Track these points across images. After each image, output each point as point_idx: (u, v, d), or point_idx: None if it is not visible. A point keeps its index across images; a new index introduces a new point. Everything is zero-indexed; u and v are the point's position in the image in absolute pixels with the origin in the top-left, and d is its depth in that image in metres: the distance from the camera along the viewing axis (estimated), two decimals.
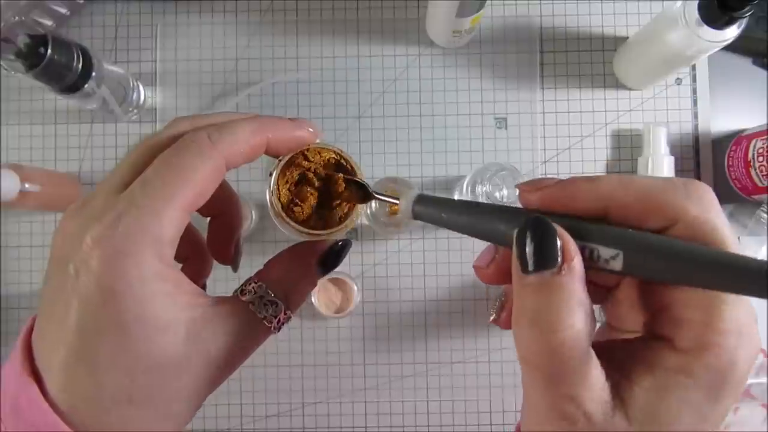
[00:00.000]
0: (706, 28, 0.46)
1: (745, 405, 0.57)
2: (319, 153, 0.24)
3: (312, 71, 0.61)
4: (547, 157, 0.61)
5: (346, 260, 0.62)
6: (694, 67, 0.61)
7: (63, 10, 0.58)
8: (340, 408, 0.59)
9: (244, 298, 0.22)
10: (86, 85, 0.49)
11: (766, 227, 0.59)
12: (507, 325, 0.23)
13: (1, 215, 0.60)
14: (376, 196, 0.24)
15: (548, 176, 0.24)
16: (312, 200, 0.24)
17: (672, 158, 0.57)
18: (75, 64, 0.48)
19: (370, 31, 0.61)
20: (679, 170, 0.59)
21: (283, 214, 0.24)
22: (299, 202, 0.24)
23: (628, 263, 0.18)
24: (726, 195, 0.60)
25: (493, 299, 0.59)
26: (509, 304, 0.23)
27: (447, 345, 0.60)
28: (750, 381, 0.57)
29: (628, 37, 0.60)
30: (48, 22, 0.58)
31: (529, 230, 0.19)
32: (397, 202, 0.24)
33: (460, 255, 0.60)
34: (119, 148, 0.61)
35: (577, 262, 0.18)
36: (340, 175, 0.25)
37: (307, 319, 0.60)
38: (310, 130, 0.24)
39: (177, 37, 0.61)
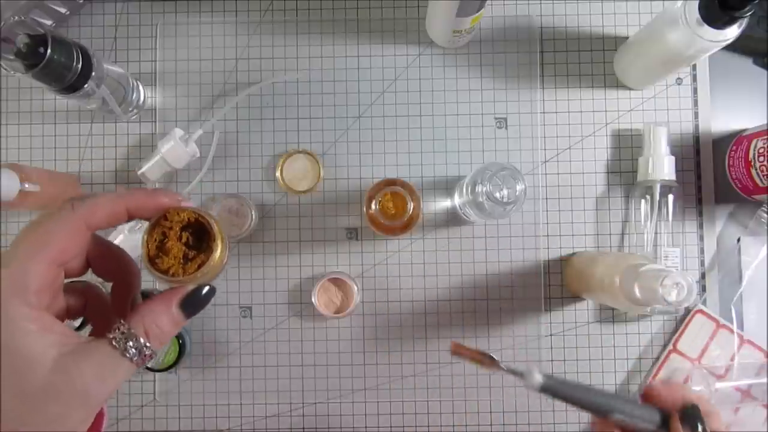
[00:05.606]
0: (706, 27, 0.46)
1: (745, 405, 0.57)
2: (178, 214, 0.29)
3: (312, 71, 0.61)
4: (547, 157, 0.61)
5: (346, 260, 0.62)
6: (694, 67, 0.60)
7: (63, 10, 0.58)
8: (340, 408, 0.59)
9: (109, 335, 0.26)
10: (86, 85, 0.49)
11: (766, 227, 0.59)
12: None
13: (1, 215, 0.60)
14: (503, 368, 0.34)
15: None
16: (176, 252, 0.29)
17: (672, 158, 0.57)
18: (75, 64, 0.48)
19: (370, 31, 0.61)
20: (680, 170, 0.59)
21: (148, 265, 0.28)
22: (162, 255, 0.29)
23: None
24: (726, 195, 0.60)
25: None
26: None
27: (447, 345, 0.59)
28: (750, 381, 0.57)
29: (628, 37, 0.60)
30: (48, 22, 0.58)
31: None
32: (520, 375, 0.33)
33: (460, 255, 0.60)
34: (119, 148, 0.61)
35: None
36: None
37: (307, 319, 0.60)
38: (167, 198, 0.29)
39: (177, 37, 0.61)
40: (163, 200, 0.29)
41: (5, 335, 0.25)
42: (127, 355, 0.26)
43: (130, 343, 0.26)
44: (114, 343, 0.26)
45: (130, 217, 0.29)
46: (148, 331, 0.27)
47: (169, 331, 0.28)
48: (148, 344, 0.27)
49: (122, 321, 0.27)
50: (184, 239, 0.29)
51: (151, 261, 0.29)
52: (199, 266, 0.29)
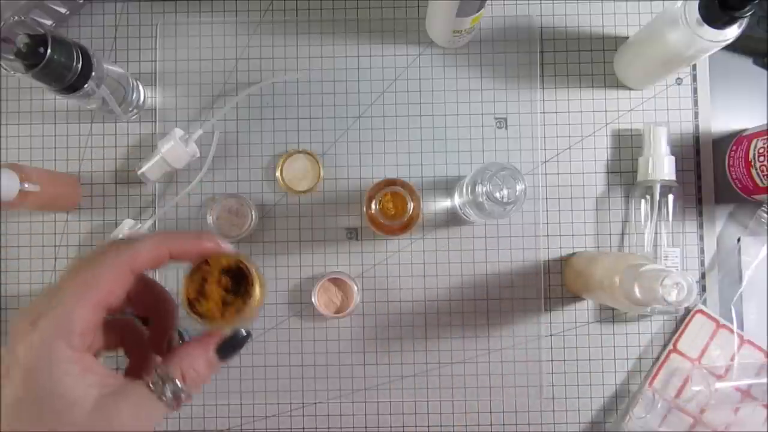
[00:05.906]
0: (706, 27, 0.46)
1: (745, 405, 0.57)
2: (219, 260, 0.30)
3: (312, 71, 0.61)
4: (547, 157, 0.61)
5: (346, 260, 0.62)
6: (694, 67, 0.60)
7: (63, 10, 0.58)
8: (340, 408, 0.59)
9: (146, 378, 0.27)
10: (86, 85, 0.49)
11: (766, 227, 0.59)
12: None
13: (1, 215, 0.60)
14: None
15: None
16: (215, 296, 0.29)
17: (672, 158, 0.57)
18: (75, 64, 0.48)
19: (370, 31, 0.61)
20: (680, 170, 0.59)
21: (187, 308, 0.29)
22: (201, 298, 0.29)
23: None
24: (727, 195, 0.60)
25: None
26: None
27: (447, 345, 0.59)
28: (750, 381, 0.57)
29: (628, 37, 0.60)
30: (48, 22, 0.58)
31: None
32: None
33: (460, 255, 0.60)
34: (119, 148, 0.61)
35: None
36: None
37: (307, 319, 0.60)
38: (210, 243, 0.29)
39: (177, 37, 0.61)
40: (207, 246, 0.29)
41: (47, 375, 0.25)
42: (164, 399, 0.27)
43: (167, 386, 0.27)
44: (151, 385, 0.27)
45: (172, 260, 0.29)
46: (185, 375, 0.28)
47: (205, 375, 0.29)
48: (184, 388, 0.28)
49: (160, 364, 0.28)
50: (223, 283, 0.30)
51: (191, 304, 0.29)
52: (238, 311, 0.29)
